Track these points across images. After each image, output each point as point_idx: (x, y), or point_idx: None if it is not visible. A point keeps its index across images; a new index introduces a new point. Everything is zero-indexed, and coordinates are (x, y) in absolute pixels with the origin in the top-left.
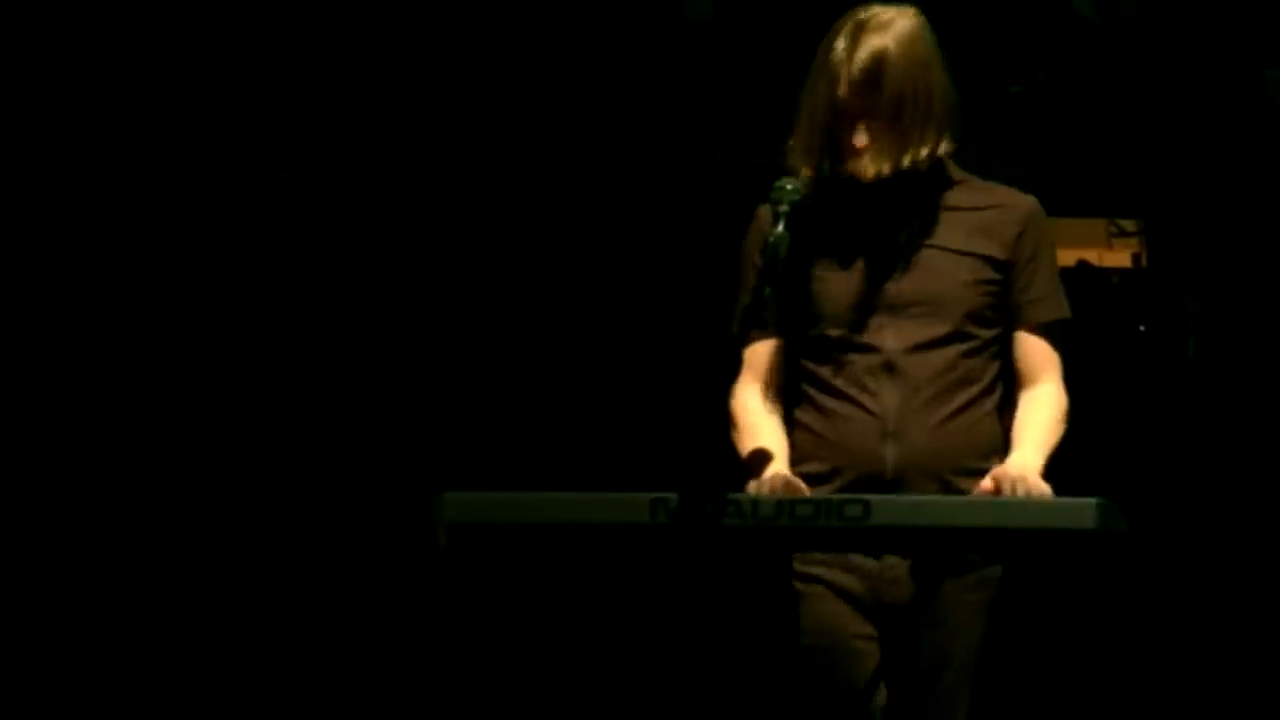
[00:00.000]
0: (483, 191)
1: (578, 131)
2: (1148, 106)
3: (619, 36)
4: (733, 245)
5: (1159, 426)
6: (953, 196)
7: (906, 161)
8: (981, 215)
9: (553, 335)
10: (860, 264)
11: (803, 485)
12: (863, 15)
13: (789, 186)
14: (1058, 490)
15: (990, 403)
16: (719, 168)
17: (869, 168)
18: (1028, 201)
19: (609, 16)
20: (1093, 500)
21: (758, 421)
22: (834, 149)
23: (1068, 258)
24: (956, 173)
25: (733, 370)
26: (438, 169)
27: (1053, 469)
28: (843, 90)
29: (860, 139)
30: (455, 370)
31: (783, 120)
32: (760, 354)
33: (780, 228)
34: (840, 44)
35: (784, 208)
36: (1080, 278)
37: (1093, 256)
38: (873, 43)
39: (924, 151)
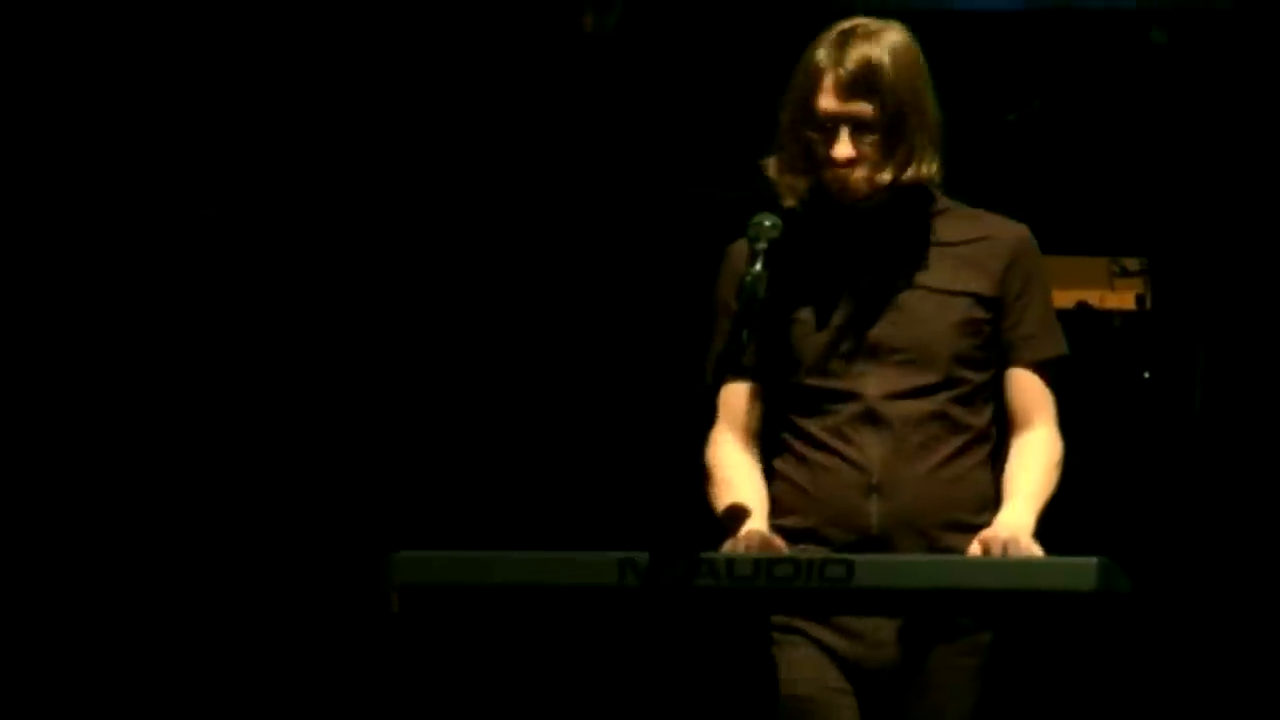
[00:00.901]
0: (443, 232)
1: (537, 167)
2: (1153, 135)
3: (569, 64)
4: (705, 284)
5: (1164, 481)
6: (938, 227)
7: (909, 176)
8: (968, 249)
9: (517, 381)
10: (840, 306)
11: (781, 543)
12: (847, 25)
13: (767, 223)
14: (1056, 548)
15: (982, 451)
16: (690, 201)
17: (861, 183)
18: (1016, 230)
19: (563, 45)
20: (1093, 559)
21: (734, 474)
22: (814, 166)
23: (1066, 299)
24: (942, 200)
25: (707, 419)
26: (385, 218)
27: (1050, 526)
28: (825, 99)
29: (842, 149)
30: (412, 421)
31: (755, 151)
32: (736, 401)
33: (758, 266)
34: (822, 52)
35: (762, 245)
36: (1080, 321)
37: (1093, 298)
38: (862, 49)
39: (924, 169)
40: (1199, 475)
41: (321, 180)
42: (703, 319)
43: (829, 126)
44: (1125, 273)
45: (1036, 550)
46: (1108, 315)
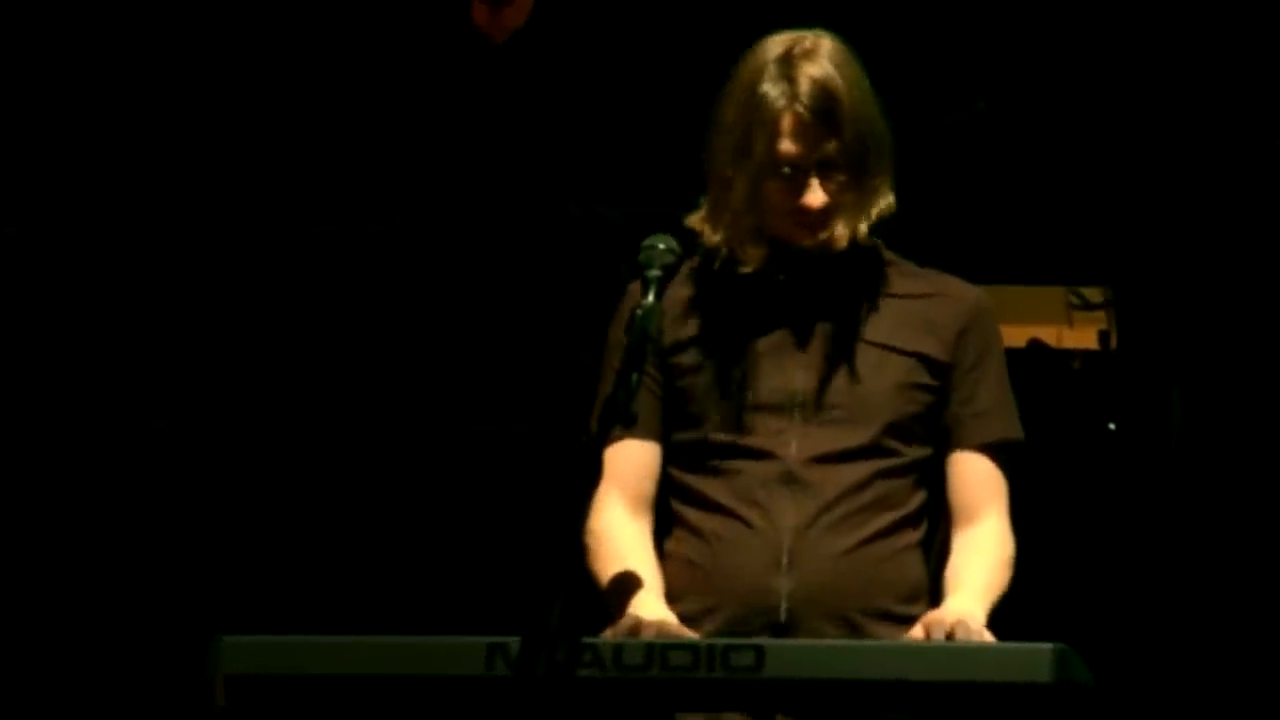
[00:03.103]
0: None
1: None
2: (1114, 146)
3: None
4: (594, 316)
5: (1132, 554)
6: (887, 279)
7: (874, 216)
8: (917, 305)
9: (366, 429)
10: (760, 352)
11: (678, 625)
12: (782, 48)
13: (660, 246)
14: (1007, 634)
15: (914, 535)
16: (574, 221)
17: (841, 238)
18: (973, 294)
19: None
20: (1049, 646)
21: (622, 543)
22: (762, 217)
23: (1018, 336)
24: (886, 252)
25: (591, 479)
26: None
27: (999, 609)
28: (788, 143)
29: (816, 197)
30: (252, 487)
31: (645, 163)
32: (626, 459)
33: (650, 298)
34: (770, 88)
35: (655, 272)
36: (1033, 361)
37: (1049, 335)
38: (813, 73)
39: (884, 202)
40: (1174, 546)
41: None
42: (590, 361)
43: (792, 173)
44: (1085, 305)
45: (988, 637)
46: (1065, 355)
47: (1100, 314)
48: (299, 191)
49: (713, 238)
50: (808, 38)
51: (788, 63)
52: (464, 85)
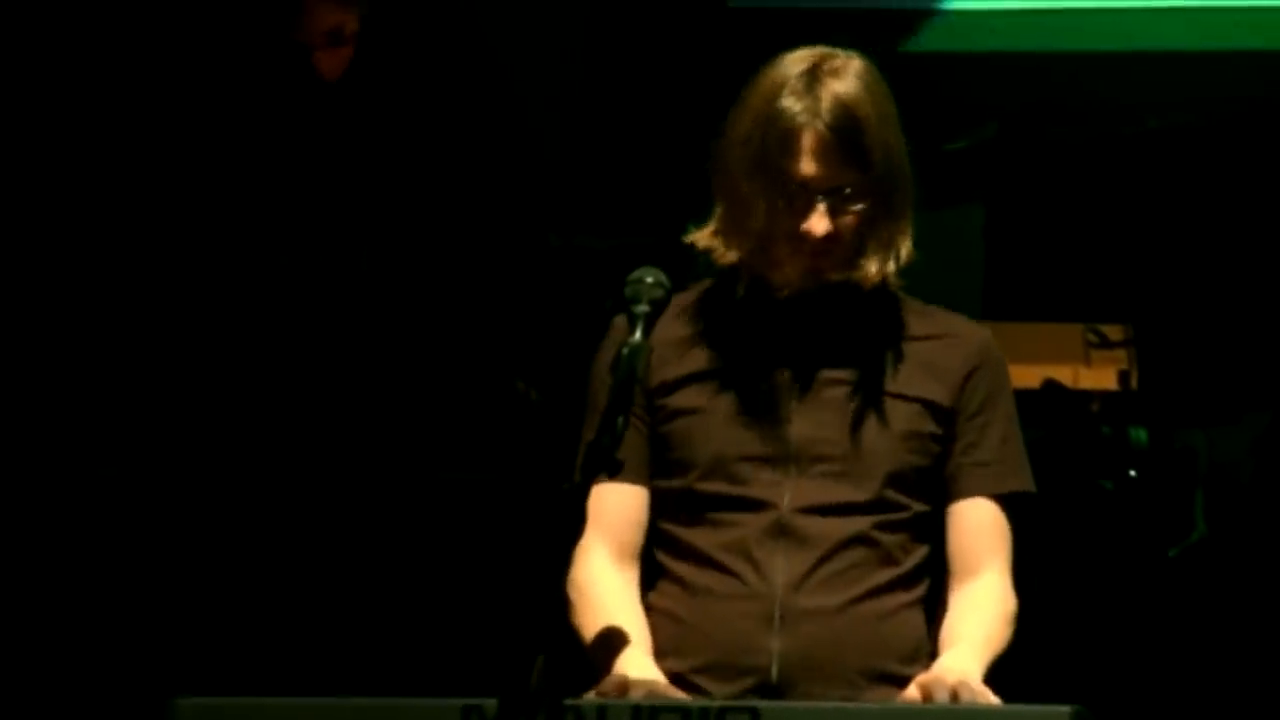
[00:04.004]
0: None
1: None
2: (1135, 170)
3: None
4: (576, 356)
5: (1155, 612)
6: (885, 318)
7: (904, 254)
8: (921, 347)
9: (330, 478)
10: (755, 396)
11: (667, 684)
12: (808, 62)
13: (649, 280)
14: (1021, 693)
15: (913, 594)
16: (553, 253)
17: (865, 270)
18: (981, 335)
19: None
20: (1065, 709)
21: (607, 597)
22: (770, 237)
23: (1031, 376)
24: (893, 295)
25: (575, 528)
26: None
27: (1010, 668)
28: (806, 163)
29: (819, 223)
30: (202, 543)
31: (637, 194)
32: (611, 506)
33: (638, 335)
34: (792, 102)
35: (642, 308)
36: (1048, 403)
37: (1065, 375)
38: (839, 91)
39: (910, 241)
40: (1199, 602)
41: None
42: (574, 400)
43: (801, 195)
44: (1105, 343)
45: (991, 698)
46: (1083, 396)
47: (1120, 353)
48: (250, 224)
49: (727, 255)
50: (838, 55)
51: (814, 78)
52: (432, 110)
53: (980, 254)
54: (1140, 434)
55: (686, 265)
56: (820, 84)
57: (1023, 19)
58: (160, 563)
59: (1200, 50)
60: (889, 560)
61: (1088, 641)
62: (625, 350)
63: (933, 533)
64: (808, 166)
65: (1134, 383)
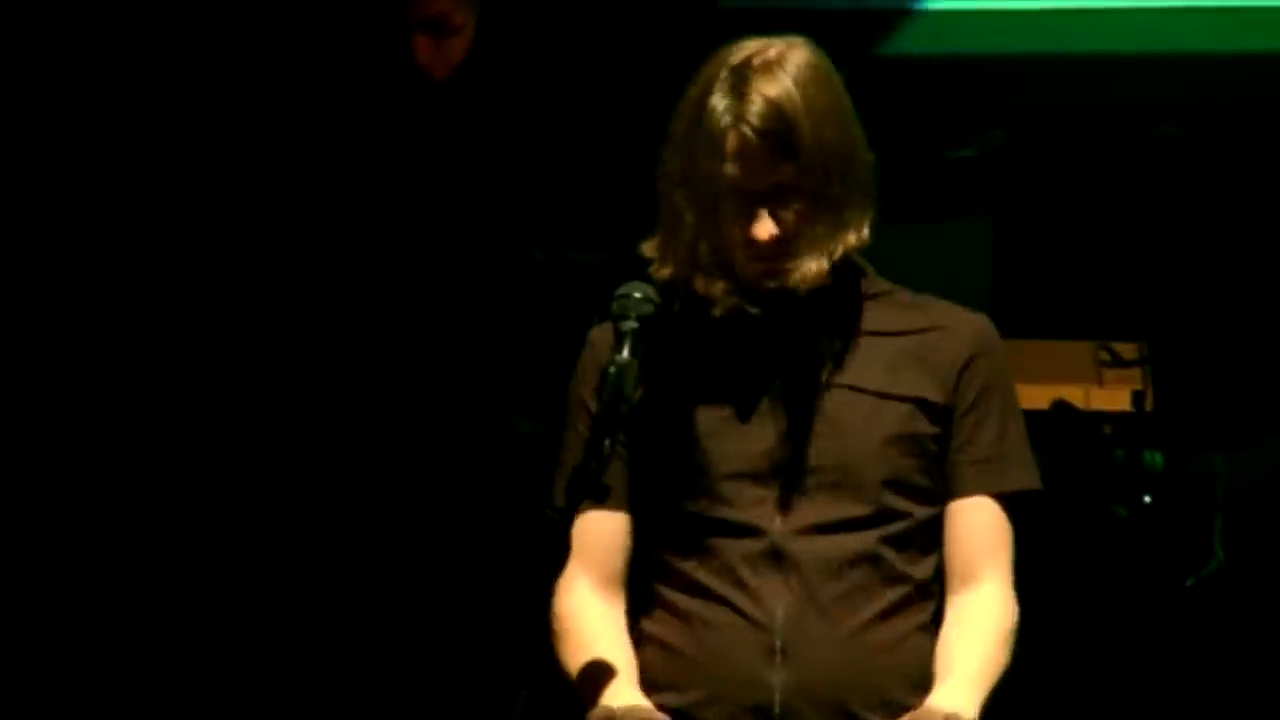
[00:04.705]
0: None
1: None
2: (1152, 182)
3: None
4: (557, 375)
5: (1170, 651)
6: (871, 312)
7: (839, 253)
8: (910, 341)
9: (305, 505)
10: (739, 410)
11: (654, 711)
12: (739, 56)
13: (637, 294)
14: None
15: (924, 612)
16: (538, 267)
17: (800, 271)
18: (975, 322)
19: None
20: None
21: (592, 627)
22: (722, 246)
23: (1040, 397)
24: (875, 281)
25: (558, 558)
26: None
27: (1021, 704)
28: (732, 167)
29: (764, 228)
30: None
31: (625, 206)
32: (595, 534)
33: (626, 353)
34: (718, 101)
35: (630, 324)
36: (1057, 425)
37: (1076, 395)
38: (767, 90)
39: (853, 237)
40: (1219, 636)
41: None
42: (555, 423)
43: (739, 199)
44: (1117, 361)
45: None
46: (1095, 418)
47: (1134, 372)
48: (228, 240)
49: (662, 270)
50: (775, 47)
51: (742, 75)
52: (409, 122)
53: (986, 268)
54: (1155, 458)
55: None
56: (748, 82)
57: (1029, 19)
58: (141, 582)
59: (1219, 52)
60: (896, 578)
61: (1100, 677)
62: (612, 369)
63: (941, 539)
64: (736, 170)
65: (1149, 404)
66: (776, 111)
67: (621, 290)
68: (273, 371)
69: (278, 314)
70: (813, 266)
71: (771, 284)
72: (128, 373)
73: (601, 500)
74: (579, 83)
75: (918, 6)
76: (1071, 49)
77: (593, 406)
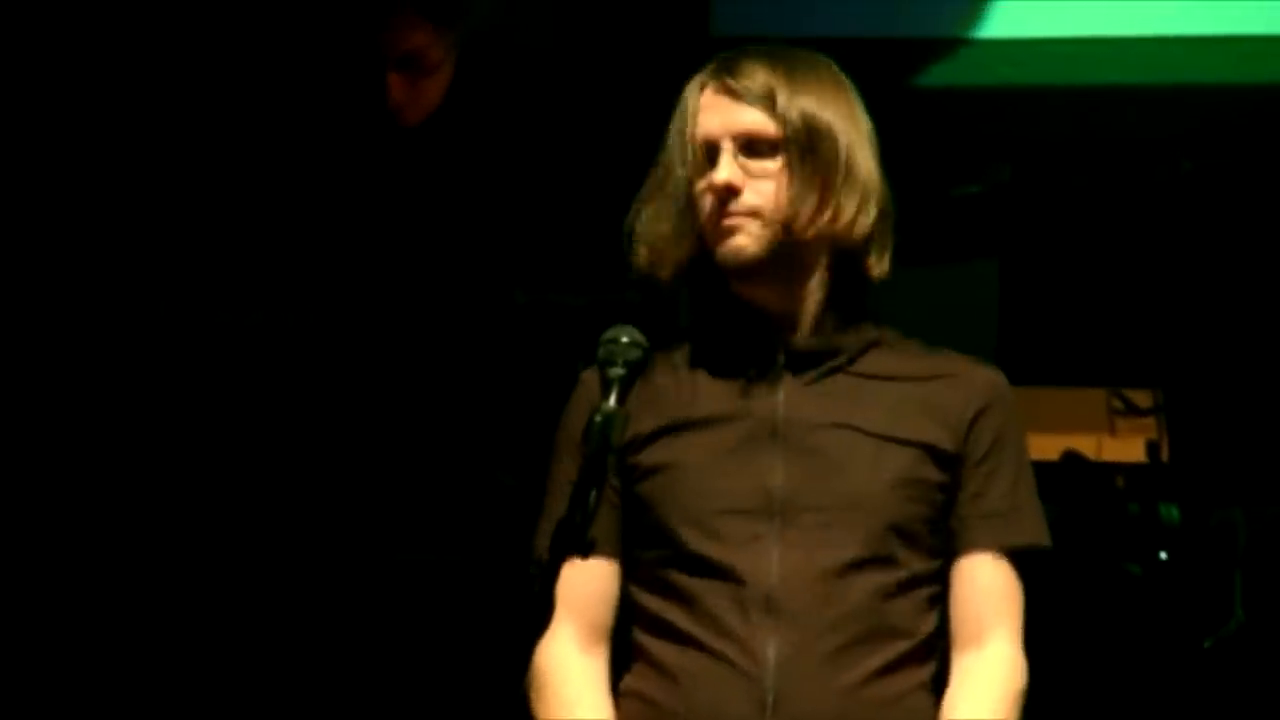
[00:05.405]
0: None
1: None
2: (1168, 221)
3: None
4: (546, 423)
5: (1187, 709)
6: (881, 358)
7: (823, 227)
8: (922, 388)
9: (275, 560)
10: (732, 447)
11: None
12: (730, 51)
13: (624, 339)
14: None
15: (925, 670)
16: (520, 311)
17: (749, 231)
18: (988, 373)
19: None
20: None
21: (573, 685)
22: (695, 231)
23: (1049, 447)
24: (887, 332)
25: (542, 614)
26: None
27: None
28: (705, 118)
29: (721, 171)
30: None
31: (613, 246)
32: (580, 583)
33: (612, 401)
34: (703, 73)
35: (618, 370)
36: (1068, 477)
37: (1087, 446)
38: (749, 52)
39: (857, 225)
40: (1239, 700)
41: None
42: (538, 476)
43: (706, 158)
44: (1131, 410)
45: None
46: (1107, 469)
47: (1149, 421)
48: (198, 283)
49: (635, 228)
50: (776, 46)
51: (732, 58)
52: (382, 164)
53: (993, 311)
54: (1171, 512)
55: (669, 322)
56: (737, 65)
57: (1039, 49)
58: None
59: (1240, 84)
60: (897, 631)
61: None
62: (598, 418)
63: (943, 597)
64: (708, 121)
65: (1164, 454)
66: (755, 65)
67: (608, 335)
68: (244, 417)
69: (248, 358)
70: (765, 234)
71: (724, 248)
72: (90, 421)
73: (587, 555)
74: (567, 118)
75: (921, 36)
76: (1084, 80)
77: (580, 451)
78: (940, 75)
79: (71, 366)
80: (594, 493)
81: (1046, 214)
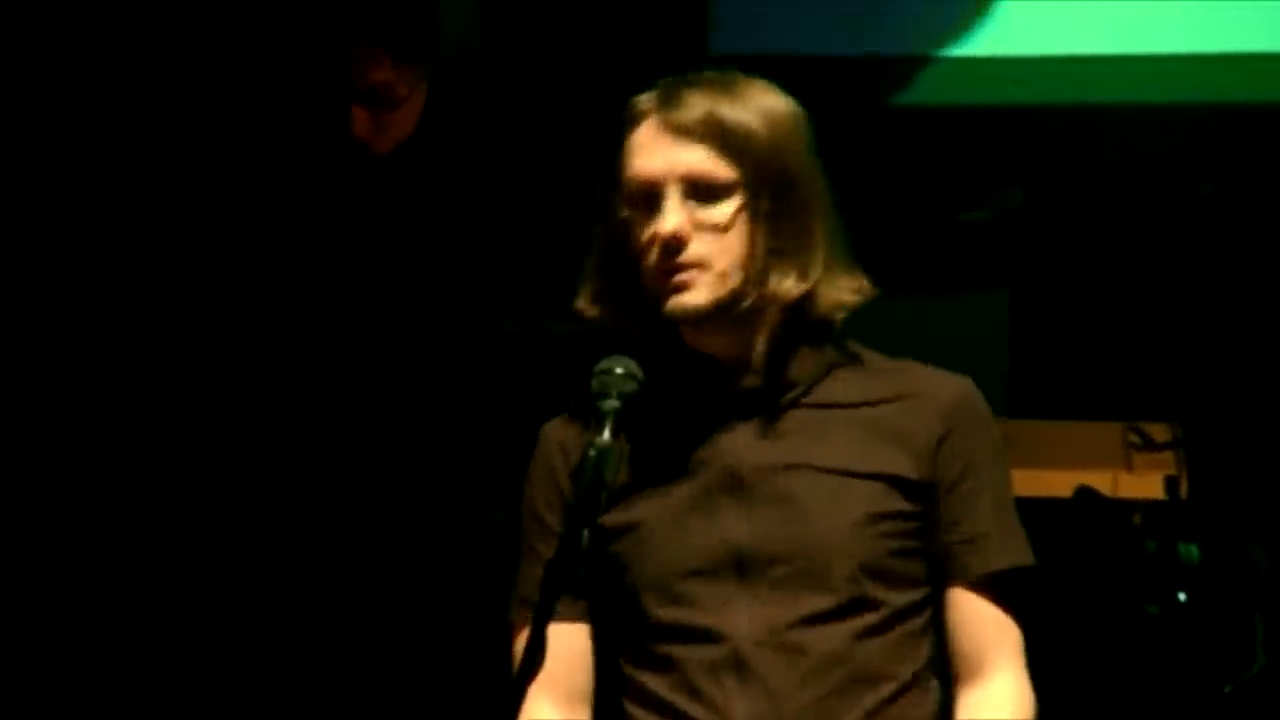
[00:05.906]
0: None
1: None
2: (1187, 247)
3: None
4: (519, 463)
5: None
6: (835, 383)
7: (772, 288)
8: (883, 412)
9: (252, 605)
10: (692, 502)
11: None
12: (670, 80)
13: (619, 370)
14: None
15: (921, 709)
16: (510, 339)
17: (703, 286)
18: (955, 386)
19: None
20: None
21: None
22: (638, 285)
23: (1063, 483)
24: (844, 346)
25: (530, 664)
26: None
27: None
28: (642, 158)
29: (666, 220)
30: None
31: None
32: (559, 649)
33: (606, 435)
34: (634, 103)
35: (612, 403)
36: (1082, 515)
37: (1102, 482)
38: (692, 81)
39: (793, 280)
40: None
41: None
42: (510, 529)
43: (648, 203)
44: (1149, 445)
45: None
46: (1123, 507)
47: (1167, 456)
48: (177, 316)
49: (587, 311)
50: (710, 73)
51: (671, 89)
52: (356, 194)
53: (1004, 342)
54: (1190, 550)
55: (665, 351)
56: (679, 88)
57: (1049, 67)
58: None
59: (1263, 102)
60: (875, 679)
61: None
62: (592, 452)
63: (932, 624)
64: (646, 162)
65: (1183, 491)
66: (697, 98)
67: (602, 365)
68: (232, 448)
69: (233, 389)
70: (715, 284)
71: (672, 303)
72: (70, 456)
73: (579, 597)
74: (561, 141)
75: (924, 53)
76: (1098, 98)
77: (547, 518)
78: (944, 94)
79: (43, 397)
80: (586, 531)
81: (1059, 240)
